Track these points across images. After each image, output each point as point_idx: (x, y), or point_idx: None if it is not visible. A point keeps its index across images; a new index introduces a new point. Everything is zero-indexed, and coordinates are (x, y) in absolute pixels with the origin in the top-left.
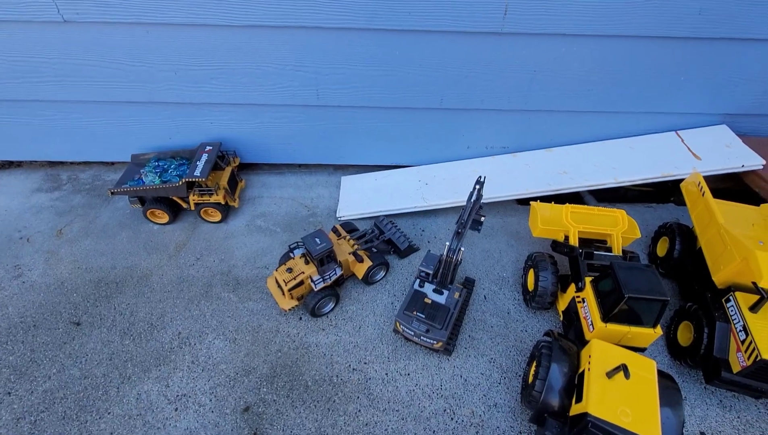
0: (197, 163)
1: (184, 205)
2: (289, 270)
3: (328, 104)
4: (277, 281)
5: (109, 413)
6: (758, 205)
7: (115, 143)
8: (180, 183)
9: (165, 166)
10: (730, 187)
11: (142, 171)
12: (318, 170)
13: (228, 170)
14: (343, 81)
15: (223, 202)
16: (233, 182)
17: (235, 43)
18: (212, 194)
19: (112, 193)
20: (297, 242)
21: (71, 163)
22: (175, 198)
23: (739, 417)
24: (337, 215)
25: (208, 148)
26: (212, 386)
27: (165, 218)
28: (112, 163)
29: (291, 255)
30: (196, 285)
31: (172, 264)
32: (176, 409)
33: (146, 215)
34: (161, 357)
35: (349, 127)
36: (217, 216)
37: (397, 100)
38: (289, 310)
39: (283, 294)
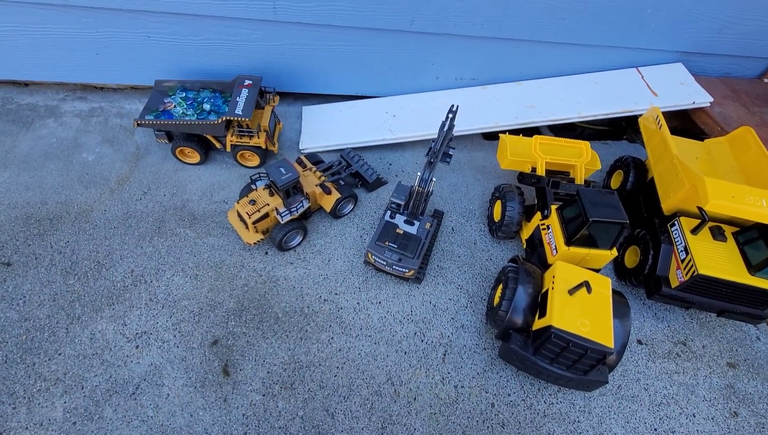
0: (237, 99)
1: (218, 146)
2: (252, 202)
3: (287, 20)
4: (239, 214)
5: (59, 354)
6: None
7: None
8: (219, 121)
9: (197, 98)
10: (675, 126)
11: (166, 101)
12: None
13: (268, 110)
14: None
15: (263, 147)
16: (272, 124)
17: None
18: (253, 136)
19: (138, 125)
20: (259, 173)
21: None
22: (209, 136)
23: (669, 326)
24: (300, 147)
25: (247, 82)
26: (175, 322)
27: (196, 158)
28: (26, 84)
29: (253, 187)
30: (146, 221)
31: (116, 198)
32: (137, 347)
33: (175, 153)
34: (114, 296)
35: (309, 50)
36: (255, 160)
37: (365, 19)
38: (255, 244)
39: (247, 227)
